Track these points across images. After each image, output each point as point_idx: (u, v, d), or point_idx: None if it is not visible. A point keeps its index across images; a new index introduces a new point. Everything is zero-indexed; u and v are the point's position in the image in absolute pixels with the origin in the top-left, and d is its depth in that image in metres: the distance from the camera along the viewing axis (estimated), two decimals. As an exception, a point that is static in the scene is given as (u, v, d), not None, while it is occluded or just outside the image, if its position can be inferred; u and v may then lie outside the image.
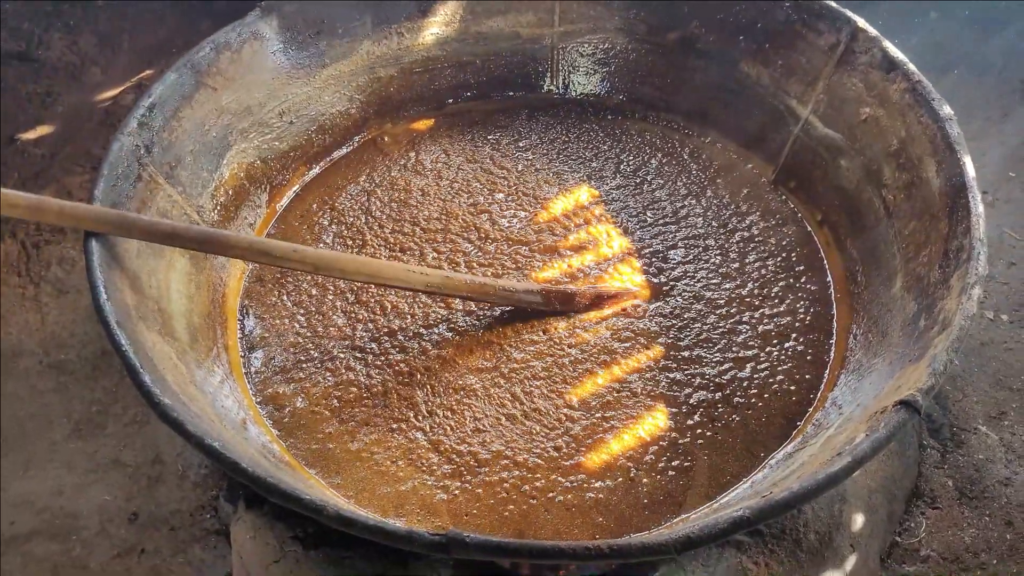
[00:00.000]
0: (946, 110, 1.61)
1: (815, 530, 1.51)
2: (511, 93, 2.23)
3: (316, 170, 2.07)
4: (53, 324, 2.09)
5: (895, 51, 1.74)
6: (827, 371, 1.67)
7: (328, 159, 2.09)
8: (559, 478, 1.53)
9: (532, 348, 1.71)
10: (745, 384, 1.64)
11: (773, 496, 1.16)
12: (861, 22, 1.80)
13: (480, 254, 1.87)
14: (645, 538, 1.13)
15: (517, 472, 1.53)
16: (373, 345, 1.72)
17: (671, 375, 1.66)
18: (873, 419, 1.27)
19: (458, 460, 1.55)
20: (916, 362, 1.35)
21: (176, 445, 1.87)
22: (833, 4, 1.85)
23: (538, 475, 1.53)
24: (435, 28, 2.11)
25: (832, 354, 1.69)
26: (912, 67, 1.70)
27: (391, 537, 1.14)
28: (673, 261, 1.85)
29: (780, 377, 1.66)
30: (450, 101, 2.21)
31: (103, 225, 1.46)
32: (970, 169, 1.52)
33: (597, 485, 1.52)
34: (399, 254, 1.88)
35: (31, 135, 2.48)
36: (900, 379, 1.35)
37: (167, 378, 1.36)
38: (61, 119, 2.53)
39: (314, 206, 2.00)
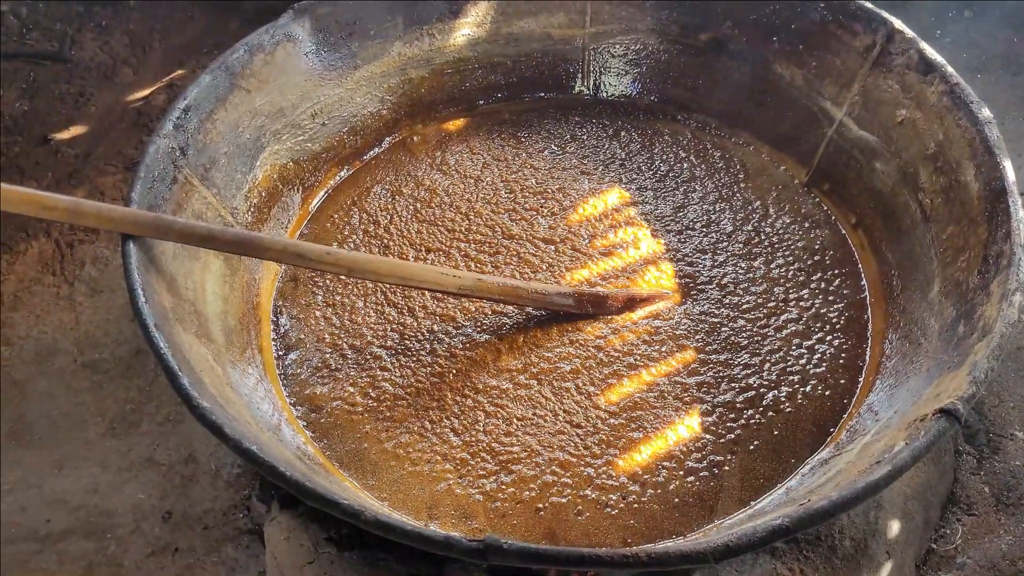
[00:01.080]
0: (985, 113, 1.60)
1: (851, 536, 1.51)
2: (542, 94, 2.23)
3: (347, 171, 2.08)
4: (87, 323, 2.11)
5: (932, 53, 1.72)
6: (862, 376, 1.65)
7: (360, 160, 2.09)
8: (590, 479, 1.52)
9: (563, 350, 1.71)
10: (777, 388, 1.64)
11: (812, 504, 1.15)
12: (897, 23, 1.78)
13: (510, 255, 1.87)
14: (684, 546, 1.13)
15: (548, 473, 1.53)
16: (406, 346, 1.73)
17: (702, 378, 1.65)
18: (912, 427, 1.26)
19: (490, 461, 1.55)
20: (955, 369, 1.33)
21: (209, 444, 1.88)
22: (868, 4, 1.83)
23: (569, 476, 1.53)
24: (466, 29, 2.11)
25: (867, 359, 1.68)
26: (950, 69, 1.68)
27: (429, 543, 1.14)
28: (704, 264, 1.84)
29: (813, 381, 1.65)
30: (481, 102, 2.21)
31: (140, 228, 1.47)
32: (1010, 173, 1.50)
33: (628, 487, 1.52)
34: (429, 255, 1.88)
35: (64, 135, 2.50)
36: (939, 386, 1.34)
37: (204, 380, 1.37)
38: (94, 119, 2.55)
39: (345, 207, 2.00)
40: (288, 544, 1.53)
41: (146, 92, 2.61)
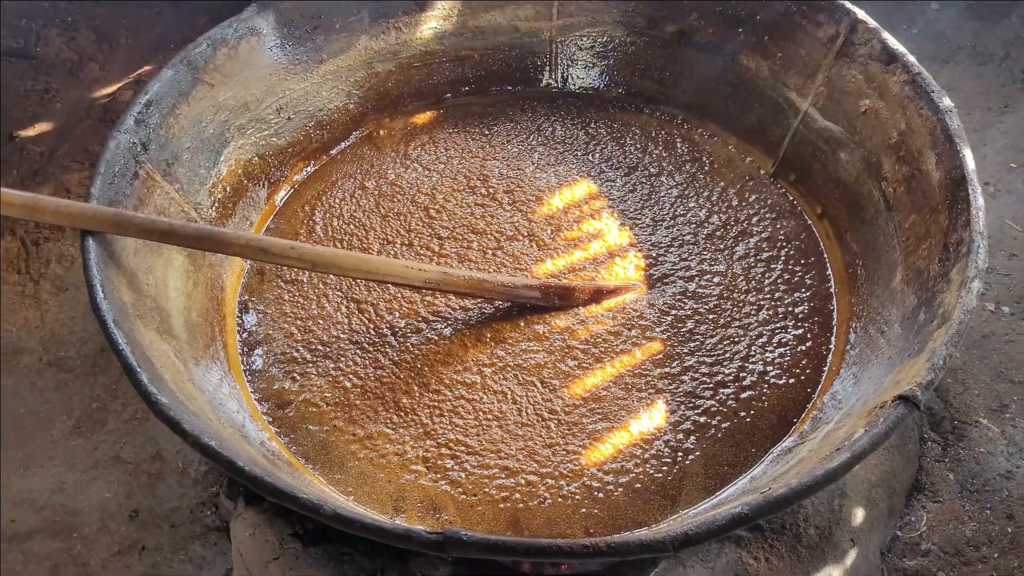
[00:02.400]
0: (946, 102, 1.60)
1: (815, 525, 1.51)
2: (509, 87, 2.22)
3: (314, 166, 2.06)
4: (53, 321, 2.09)
5: (895, 43, 1.73)
6: (827, 365, 1.66)
7: (326, 154, 2.08)
8: (555, 470, 1.53)
9: (530, 343, 1.70)
10: (742, 379, 1.64)
11: (771, 492, 1.16)
12: (860, 13, 1.79)
13: (478, 249, 1.86)
14: (643, 536, 1.13)
15: (514, 464, 1.54)
16: (372, 340, 1.72)
17: (667, 369, 1.66)
18: (872, 414, 1.27)
19: (457, 453, 1.55)
20: (916, 356, 1.34)
21: (177, 442, 1.86)
22: (832, -5, 1.84)
23: (535, 467, 1.53)
24: (433, 22, 2.10)
25: (832, 348, 1.68)
26: (912, 59, 1.69)
27: (388, 536, 1.14)
28: (672, 255, 1.84)
29: (779, 371, 1.65)
30: (448, 95, 2.20)
31: (99, 224, 1.46)
32: (970, 162, 1.51)
33: (593, 477, 1.52)
34: (397, 249, 1.87)
35: (30, 132, 2.47)
36: (900, 373, 1.35)
37: (165, 376, 1.36)
38: (59, 116, 2.53)
39: (312, 202, 1.99)
40: (253, 540, 1.53)
41: (113, 88, 2.59)
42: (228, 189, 1.86)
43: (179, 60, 1.77)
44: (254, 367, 1.70)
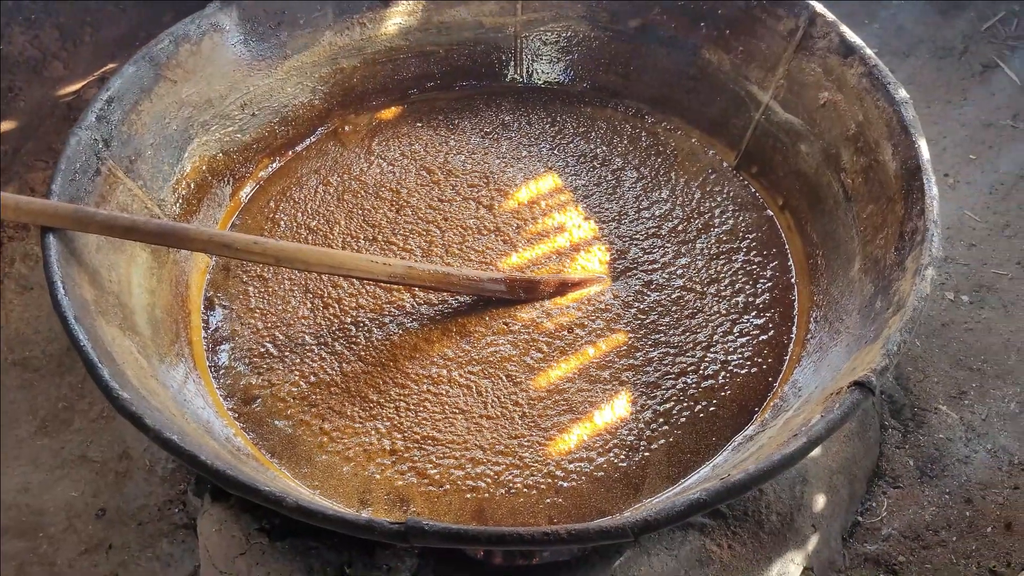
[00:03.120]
0: (901, 93, 1.63)
1: (777, 511, 1.54)
2: (475, 82, 2.23)
3: (279, 162, 2.06)
4: (17, 321, 2.08)
5: (852, 36, 1.75)
6: (788, 354, 1.68)
7: (291, 150, 2.08)
8: (521, 460, 1.54)
9: (496, 336, 1.71)
10: (706, 368, 1.66)
11: (730, 478, 1.18)
12: (819, 7, 1.81)
13: (443, 243, 1.87)
14: (603, 522, 1.14)
15: (480, 456, 1.55)
16: (338, 335, 1.72)
17: (631, 360, 1.67)
18: (828, 400, 1.29)
19: (422, 445, 1.56)
20: (872, 343, 1.36)
21: (144, 440, 1.86)
22: (792, -11, 1.86)
23: (500, 458, 1.54)
24: (397, 18, 2.10)
25: (793, 337, 1.71)
26: (869, 51, 1.72)
27: (351, 526, 1.15)
28: (636, 247, 1.86)
29: (741, 360, 1.67)
30: (414, 91, 2.21)
31: (60, 220, 1.46)
32: (925, 152, 1.53)
33: (557, 467, 1.53)
34: (363, 244, 1.87)
35: (-8, 130, 2.46)
36: (856, 360, 1.37)
37: (127, 372, 1.36)
38: (23, 114, 2.51)
39: (277, 198, 1.99)
40: (220, 536, 1.53)
41: (77, 87, 2.57)
42: (192, 186, 1.85)
43: (141, 56, 1.76)
44: (219, 363, 1.70)
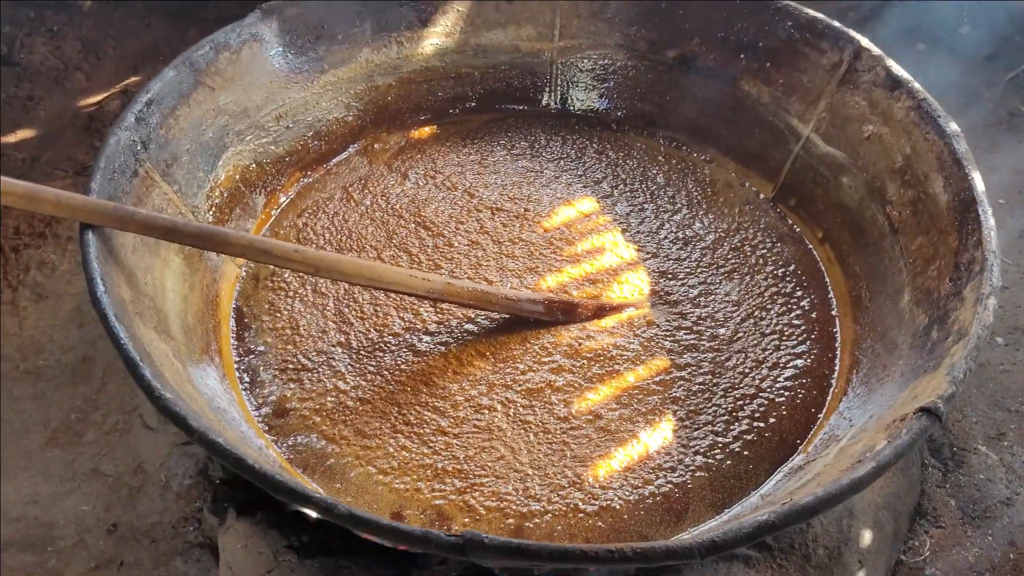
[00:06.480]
0: (952, 127, 1.62)
1: (824, 545, 1.49)
2: (509, 106, 2.22)
3: (311, 176, 2.03)
4: (31, 329, 2.02)
5: (899, 69, 1.75)
6: (832, 385, 1.65)
7: (323, 165, 2.05)
8: (557, 483, 1.50)
9: (532, 357, 1.67)
10: (746, 398, 1.62)
11: (798, 501, 1.14)
12: (864, 41, 1.81)
13: (472, 265, 1.84)
14: (670, 542, 1.10)
15: (515, 477, 1.50)
16: (370, 350, 1.68)
17: (671, 387, 1.64)
18: (893, 427, 1.25)
19: (457, 465, 1.51)
20: (932, 372, 1.33)
21: (159, 454, 1.80)
22: (836, 23, 1.86)
23: (536, 480, 1.50)
24: (435, 39, 2.09)
25: (836, 369, 1.68)
26: (916, 85, 1.72)
27: (407, 538, 1.09)
28: (672, 275, 1.83)
29: (781, 390, 1.64)
30: (448, 112, 2.19)
31: (100, 217, 1.42)
32: (979, 184, 1.52)
33: (596, 491, 1.49)
34: (396, 262, 1.84)
35: (11, 138, 2.42)
36: (915, 389, 1.34)
37: (165, 374, 1.31)
38: (43, 124, 2.48)
39: (308, 212, 1.95)
40: (246, 552, 1.47)
41: (99, 98, 2.54)
42: (225, 194, 1.82)
43: (181, 61, 1.74)
44: (250, 374, 1.65)
